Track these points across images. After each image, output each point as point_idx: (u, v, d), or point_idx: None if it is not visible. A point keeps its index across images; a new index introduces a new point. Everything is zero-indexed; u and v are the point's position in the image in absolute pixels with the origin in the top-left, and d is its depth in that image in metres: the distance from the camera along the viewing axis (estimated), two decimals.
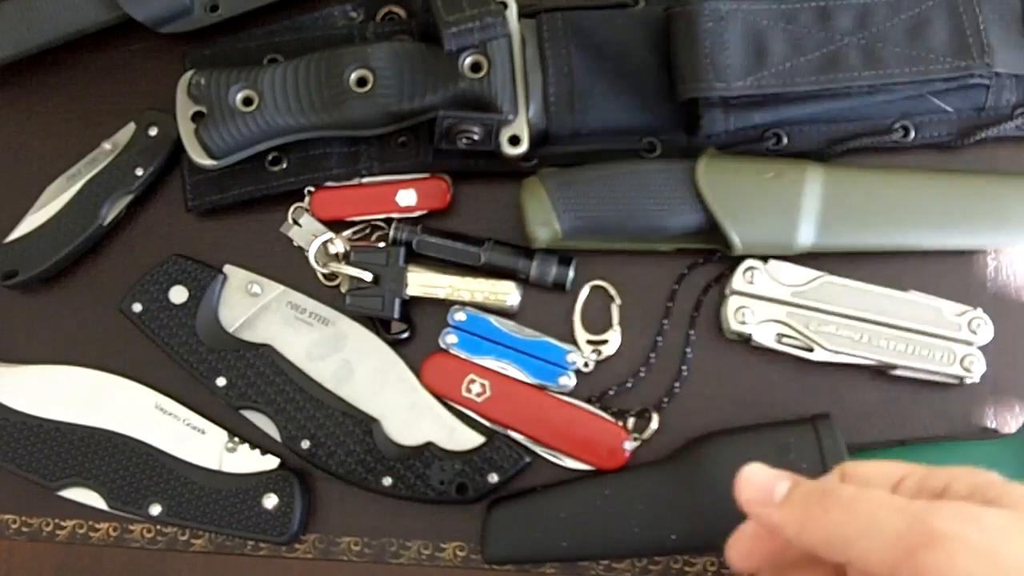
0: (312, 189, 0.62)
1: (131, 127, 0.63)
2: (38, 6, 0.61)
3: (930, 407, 0.59)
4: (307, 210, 0.62)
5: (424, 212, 0.61)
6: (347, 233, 0.62)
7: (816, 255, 0.58)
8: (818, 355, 0.57)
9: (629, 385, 0.60)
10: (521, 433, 0.59)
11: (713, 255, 0.60)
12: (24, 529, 0.62)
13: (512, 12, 0.57)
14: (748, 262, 0.58)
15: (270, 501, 0.59)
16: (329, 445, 0.59)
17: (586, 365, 0.60)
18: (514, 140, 0.57)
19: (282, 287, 0.62)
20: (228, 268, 0.62)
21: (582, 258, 0.60)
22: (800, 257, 0.58)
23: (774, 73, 0.55)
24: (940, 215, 0.57)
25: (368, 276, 0.60)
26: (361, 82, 0.57)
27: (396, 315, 0.60)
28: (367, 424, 0.59)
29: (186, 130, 0.59)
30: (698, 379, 0.60)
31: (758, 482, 0.37)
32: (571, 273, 0.60)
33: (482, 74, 0.56)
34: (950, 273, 0.59)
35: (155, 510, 0.59)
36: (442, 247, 0.60)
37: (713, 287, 0.60)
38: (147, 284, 0.61)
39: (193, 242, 0.63)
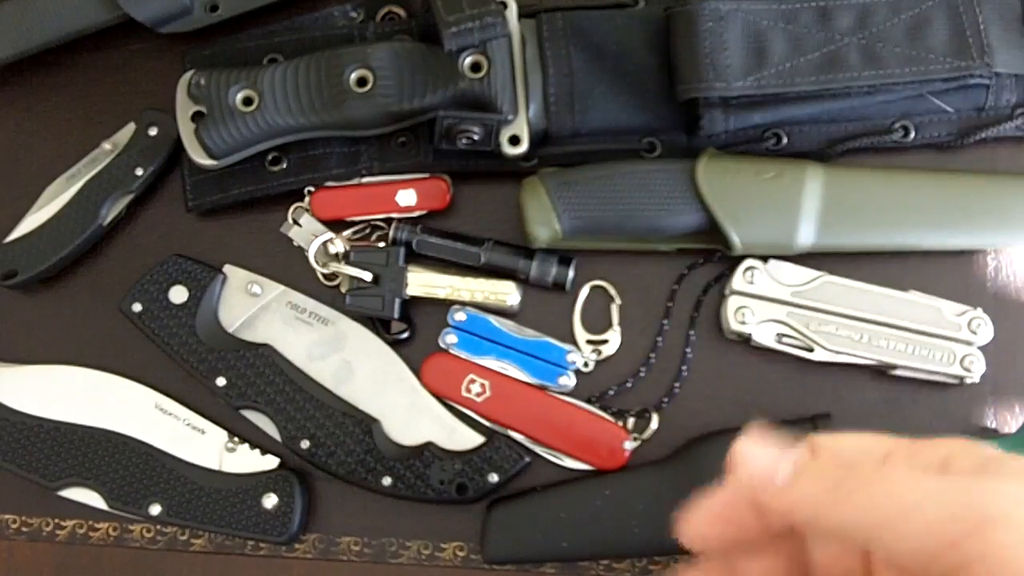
0: (312, 189, 0.61)
1: (131, 127, 0.63)
2: (38, 6, 0.61)
3: (930, 407, 0.58)
4: (307, 210, 0.62)
5: (424, 212, 0.61)
6: (347, 233, 0.62)
7: (816, 255, 0.57)
8: (818, 355, 0.57)
9: (629, 385, 0.60)
10: (521, 433, 0.59)
11: (713, 255, 0.60)
12: (24, 529, 0.62)
13: (512, 12, 0.57)
14: (748, 262, 0.58)
15: (270, 501, 0.59)
16: (329, 445, 0.59)
17: (586, 365, 0.60)
18: (514, 140, 0.57)
19: (282, 287, 0.62)
20: (228, 268, 0.62)
21: (582, 258, 0.60)
22: (800, 257, 0.57)
23: (774, 73, 0.55)
24: (940, 215, 0.57)
25: (368, 276, 0.60)
26: (361, 82, 0.57)
27: (396, 315, 0.60)
28: (367, 424, 0.59)
29: (186, 130, 0.59)
30: (698, 379, 0.60)
31: (760, 460, 0.33)
32: (571, 273, 0.60)
33: (482, 74, 0.56)
34: (950, 273, 0.59)
35: (155, 510, 0.59)
36: (442, 247, 0.60)
37: (713, 287, 0.60)
38: (147, 284, 0.61)
39: (193, 242, 0.63)
